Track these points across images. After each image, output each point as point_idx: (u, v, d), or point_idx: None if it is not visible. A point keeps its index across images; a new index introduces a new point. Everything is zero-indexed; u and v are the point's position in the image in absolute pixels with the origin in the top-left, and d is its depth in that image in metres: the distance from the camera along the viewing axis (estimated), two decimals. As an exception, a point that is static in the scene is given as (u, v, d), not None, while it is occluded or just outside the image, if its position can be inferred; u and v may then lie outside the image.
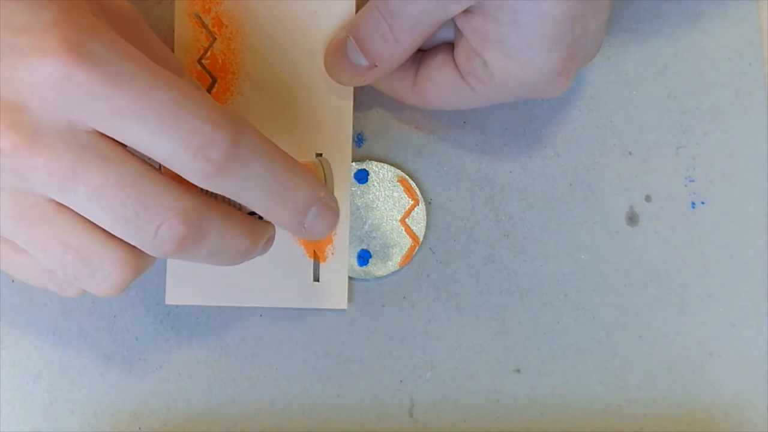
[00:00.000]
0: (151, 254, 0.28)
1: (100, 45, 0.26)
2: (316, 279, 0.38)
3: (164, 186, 0.27)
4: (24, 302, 0.38)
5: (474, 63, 0.34)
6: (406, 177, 0.39)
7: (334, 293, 0.38)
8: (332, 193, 0.32)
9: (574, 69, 0.35)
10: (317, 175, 0.32)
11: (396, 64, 0.35)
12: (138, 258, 0.28)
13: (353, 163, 0.39)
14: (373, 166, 0.39)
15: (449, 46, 0.36)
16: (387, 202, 0.39)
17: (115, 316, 0.38)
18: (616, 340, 0.39)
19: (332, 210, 0.30)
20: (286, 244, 0.38)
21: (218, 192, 0.28)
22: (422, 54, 0.37)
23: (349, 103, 0.38)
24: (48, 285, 0.30)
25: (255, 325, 0.39)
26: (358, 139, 0.39)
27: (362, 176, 0.39)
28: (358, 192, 0.39)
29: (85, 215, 0.27)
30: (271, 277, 0.37)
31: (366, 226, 0.39)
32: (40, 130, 0.26)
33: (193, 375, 0.38)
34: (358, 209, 0.39)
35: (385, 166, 0.39)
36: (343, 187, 0.38)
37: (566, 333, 0.39)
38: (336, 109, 0.38)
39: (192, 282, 0.37)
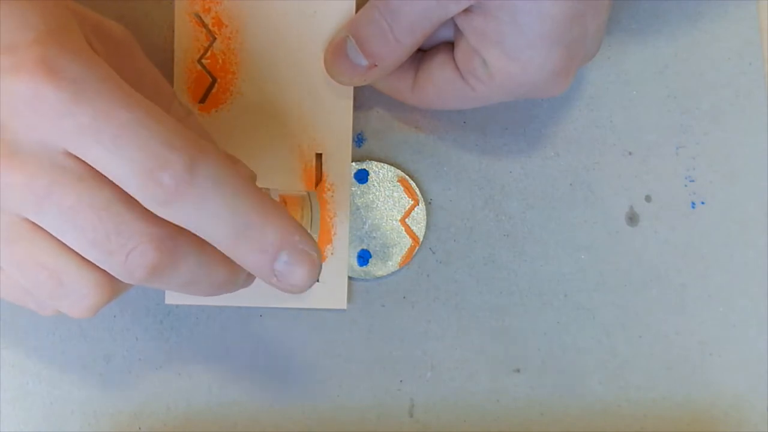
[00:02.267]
0: (122, 280, 0.27)
1: (74, 65, 0.25)
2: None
3: (139, 211, 0.26)
4: (24, 302, 0.38)
5: (474, 62, 0.34)
6: (406, 177, 0.39)
7: (333, 293, 0.38)
8: (316, 233, 0.31)
9: (574, 69, 0.35)
10: (303, 210, 0.31)
11: (396, 63, 0.35)
12: (113, 281, 0.27)
13: (353, 163, 0.39)
14: (373, 166, 0.39)
15: (449, 45, 0.36)
16: (387, 202, 0.39)
17: (115, 316, 0.38)
18: (616, 340, 0.39)
19: (309, 257, 0.28)
20: None
21: (173, 221, 0.26)
22: (422, 54, 0.37)
23: (349, 103, 0.38)
24: (26, 303, 0.30)
25: (255, 325, 0.39)
26: (358, 139, 0.39)
27: (362, 176, 0.39)
28: (358, 192, 0.39)
29: (57, 236, 0.26)
30: None
31: (366, 226, 0.39)
32: (16, 148, 0.25)
33: (193, 375, 0.38)
34: (358, 209, 0.39)
35: (385, 166, 0.39)
36: (343, 187, 0.38)
37: (566, 333, 0.39)
38: (336, 109, 0.38)
39: None
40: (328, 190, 0.38)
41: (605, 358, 0.39)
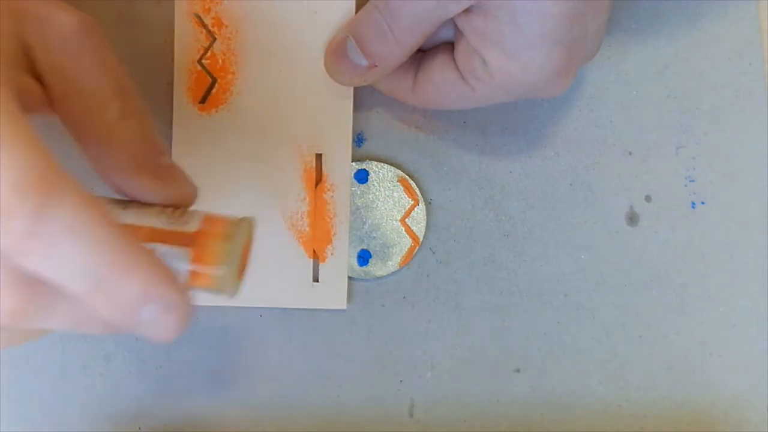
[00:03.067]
0: None
1: None
2: (316, 279, 0.38)
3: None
4: (24, 302, 0.38)
5: (474, 62, 0.34)
6: (406, 177, 0.39)
7: (333, 293, 0.38)
8: (243, 264, 0.28)
9: (574, 69, 0.35)
10: (230, 236, 0.27)
11: (396, 64, 0.35)
12: None
13: (353, 163, 0.39)
14: (373, 166, 0.39)
15: (449, 46, 0.36)
16: (387, 202, 0.39)
17: (115, 316, 0.38)
18: (616, 340, 0.39)
19: (175, 313, 0.25)
20: (285, 245, 0.38)
21: (27, 268, 0.23)
22: (422, 54, 0.37)
23: (349, 103, 0.38)
24: None
25: (255, 325, 0.39)
26: (358, 139, 0.39)
27: (362, 176, 0.39)
28: (358, 192, 0.39)
29: None
30: (271, 277, 0.37)
31: (366, 226, 0.39)
32: None
33: (193, 375, 0.38)
34: (358, 209, 0.39)
35: (385, 166, 0.39)
36: (343, 188, 0.38)
37: (566, 333, 0.39)
38: (336, 109, 0.38)
39: None
40: (328, 190, 0.38)
41: (605, 358, 0.39)
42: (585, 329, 0.39)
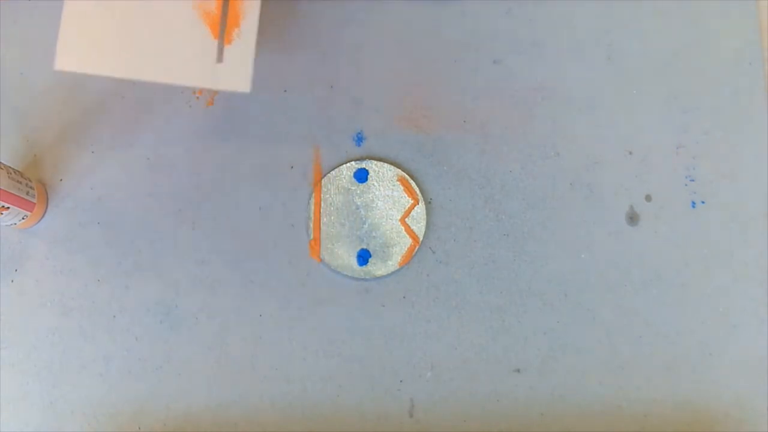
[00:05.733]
0: None
1: None
2: (220, 60, 0.36)
3: None
4: (24, 302, 0.38)
5: None
6: (406, 176, 0.39)
7: (237, 75, 0.36)
8: None
9: None
10: None
11: None
12: None
13: (353, 162, 0.39)
14: (372, 165, 0.39)
15: None
16: (387, 201, 0.39)
17: (115, 316, 0.38)
18: (616, 340, 0.39)
19: None
20: (189, 22, 0.36)
21: None
22: None
23: None
24: None
25: (255, 325, 0.39)
26: (358, 139, 0.39)
27: (362, 175, 0.39)
28: (358, 191, 0.39)
29: None
30: (172, 52, 0.36)
31: (366, 226, 0.39)
32: None
33: (193, 375, 0.38)
34: (358, 208, 0.39)
35: (385, 165, 0.39)
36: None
37: (566, 333, 0.39)
38: None
39: (86, 48, 0.35)
40: None
41: (605, 358, 0.39)
42: (585, 329, 0.39)
